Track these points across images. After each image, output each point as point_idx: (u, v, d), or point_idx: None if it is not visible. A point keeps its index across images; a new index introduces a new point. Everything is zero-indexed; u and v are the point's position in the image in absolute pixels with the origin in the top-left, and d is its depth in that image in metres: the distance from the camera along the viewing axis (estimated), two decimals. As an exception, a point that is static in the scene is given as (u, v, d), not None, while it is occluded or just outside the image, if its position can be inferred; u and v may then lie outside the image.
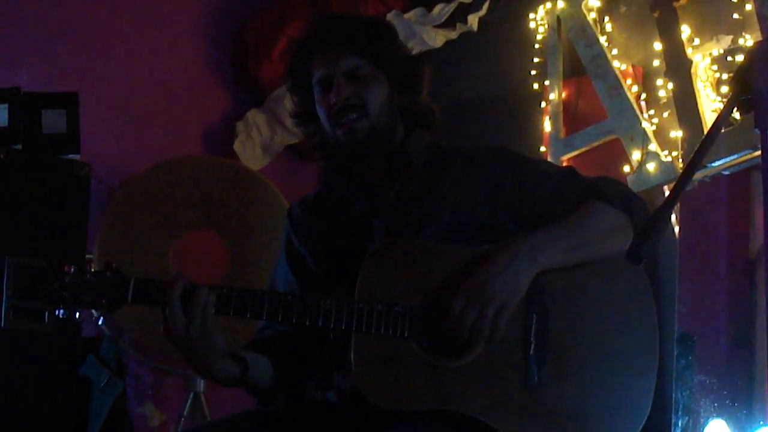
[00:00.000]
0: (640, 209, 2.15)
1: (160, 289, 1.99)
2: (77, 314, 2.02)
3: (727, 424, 3.52)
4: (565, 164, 3.94)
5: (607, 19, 4.00)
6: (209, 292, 1.99)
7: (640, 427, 2.06)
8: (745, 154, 3.41)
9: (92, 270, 2.04)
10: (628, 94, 3.80)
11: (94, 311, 2.06)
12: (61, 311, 2.01)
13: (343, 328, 2.02)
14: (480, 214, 2.15)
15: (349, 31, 2.20)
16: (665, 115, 3.71)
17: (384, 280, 2.06)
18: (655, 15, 3.78)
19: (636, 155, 3.70)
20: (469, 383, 2.01)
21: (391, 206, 2.20)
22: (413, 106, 2.24)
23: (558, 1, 4.12)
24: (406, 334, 2.02)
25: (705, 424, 3.54)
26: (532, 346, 2.05)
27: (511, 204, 2.16)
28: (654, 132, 3.71)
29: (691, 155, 1.75)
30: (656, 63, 3.77)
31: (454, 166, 2.22)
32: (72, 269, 2.01)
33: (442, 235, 2.12)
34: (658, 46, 3.77)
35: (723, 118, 1.76)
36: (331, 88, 2.18)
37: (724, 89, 3.50)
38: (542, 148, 4.13)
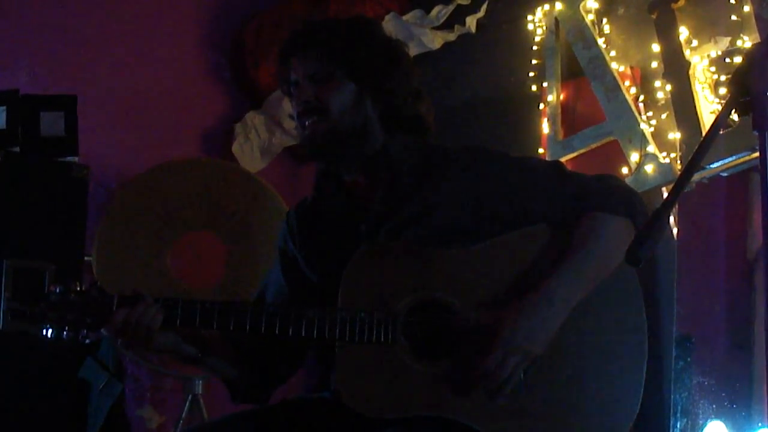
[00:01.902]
0: (641, 210, 2.15)
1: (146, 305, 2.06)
2: (64, 333, 2.06)
3: (726, 425, 3.52)
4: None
5: (605, 20, 3.99)
6: (155, 312, 2.04)
7: (629, 425, 2.05)
8: (744, 156, 3.40)
9: (78, 289, 2.07)
10: (627, 95, 3.80)
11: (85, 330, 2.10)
12: (49, 331, 2.05)
13: (326, 337, 2.02)
14: (463, 218, 2.14)
15: (313, 36, 2.21)
16: (663, 116, 3.70)
17: (367, 285, 2.06)
18: (653, 16, 3.77)
19: (634, 157, 3.70)
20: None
21: (376, 211, 2.19)
22: (394, 113, 2.22)
23: (556, 3, 4.12)
24: (390, 340, 2.02)
25: (704, 425, 3.54)
26: None
27: (496, 206, 2.15)
28: (652, 134, 3.71)
29: (690, 157, 1.75)
30: (654, 65, 3.76)
31: (439, 169, 2.20)
32: (58, 289, 2.05)
33: (424, 239, 2.12)
34: (656, 47, 3.76)
35: (721, 119, 1.75)
36: None
37: (723, 91, 3.50)
38: (540, 150, 4.12)
